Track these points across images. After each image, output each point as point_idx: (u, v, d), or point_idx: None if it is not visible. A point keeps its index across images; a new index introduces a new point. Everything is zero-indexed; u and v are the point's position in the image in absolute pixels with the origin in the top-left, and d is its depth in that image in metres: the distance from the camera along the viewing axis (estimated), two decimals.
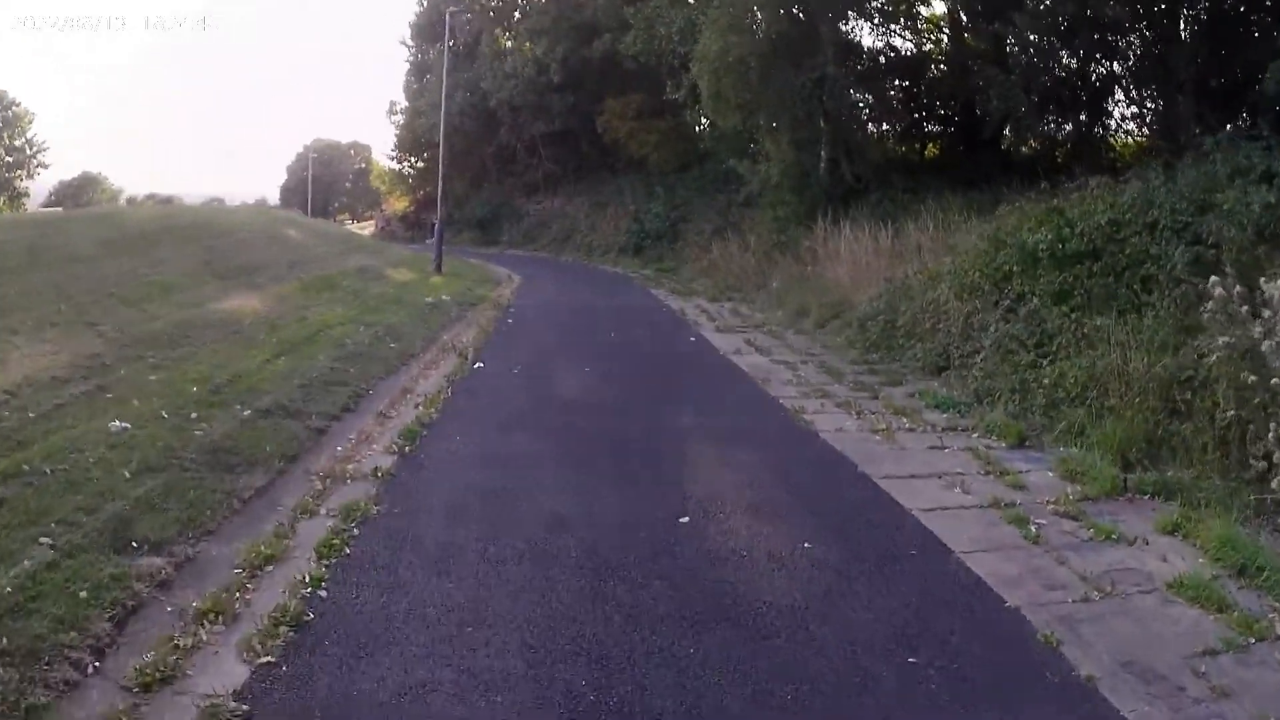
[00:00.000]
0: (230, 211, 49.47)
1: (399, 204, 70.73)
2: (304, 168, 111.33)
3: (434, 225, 64.58)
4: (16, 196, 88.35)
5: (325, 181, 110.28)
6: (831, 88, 27.49)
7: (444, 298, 23.44)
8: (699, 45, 29.17)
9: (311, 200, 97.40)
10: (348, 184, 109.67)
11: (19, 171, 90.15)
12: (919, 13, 30.62)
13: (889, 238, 21.31)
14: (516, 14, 56.86)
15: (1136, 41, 22.20)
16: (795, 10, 28.66)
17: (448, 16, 41.62)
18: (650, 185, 44.35)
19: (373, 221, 76.38)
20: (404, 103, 66.04)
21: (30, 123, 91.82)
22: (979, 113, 26.52)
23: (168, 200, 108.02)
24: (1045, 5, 22.77)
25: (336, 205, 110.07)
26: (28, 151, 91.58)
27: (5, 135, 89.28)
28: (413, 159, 66.97)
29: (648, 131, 43.94)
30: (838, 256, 22.58)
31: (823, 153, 29.23)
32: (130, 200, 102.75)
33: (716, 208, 37.16)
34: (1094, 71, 23.95)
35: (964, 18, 28.48)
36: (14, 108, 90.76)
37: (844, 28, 29.98)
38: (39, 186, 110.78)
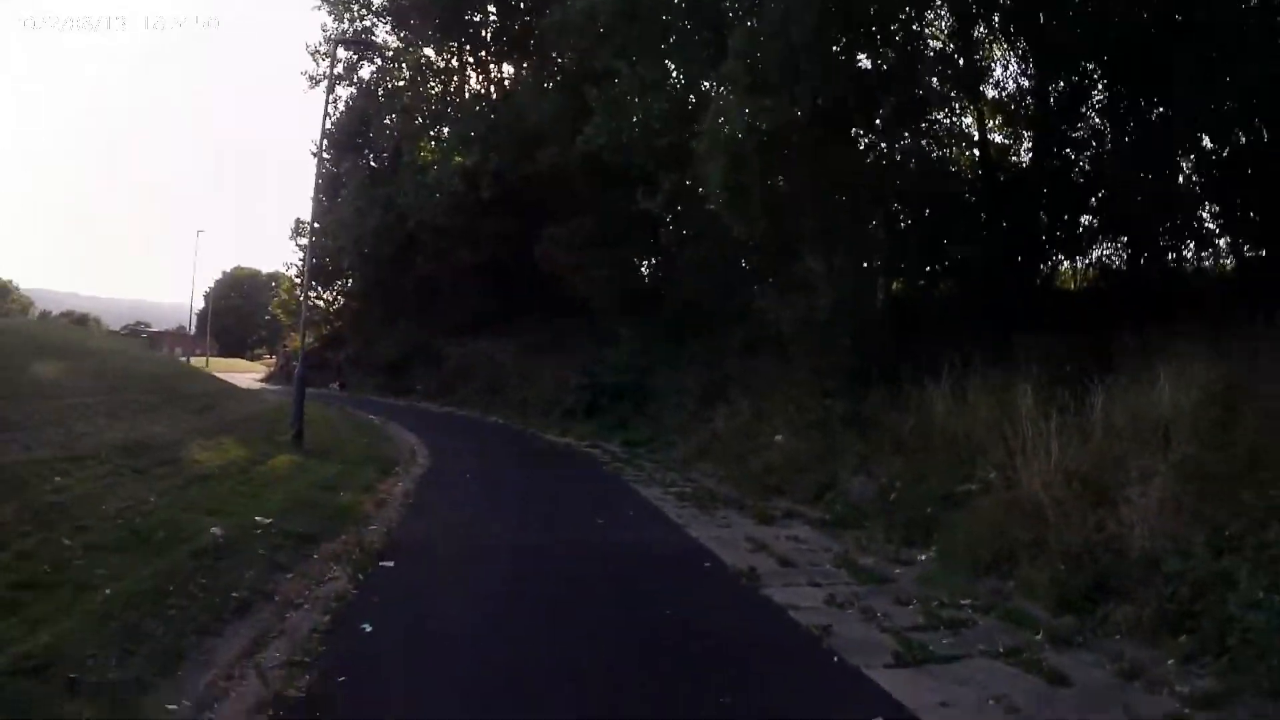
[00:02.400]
0: None
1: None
2: (221, 296, 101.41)
3: (335, 369, 52.93)
4: None
5: (244, 313, 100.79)
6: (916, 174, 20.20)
7: (259, 520, 11.33)
8: (711, 115, 19.05)
9: (210, 331, 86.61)
10: (267, 317, 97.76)
11: None
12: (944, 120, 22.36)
13: (1096, 416, 10.88)
14: (446, 128, 45.60)
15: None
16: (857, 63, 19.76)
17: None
18: (604, 328, 32.29)
19: (273, 360, 63.95)
20: (313, 223, 52.92)
21: None
22: (1007, 243, 20.48)
23: (81, 320, 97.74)
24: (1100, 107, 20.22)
25: (254, 339, 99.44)
26: None
27: None
28: (320, 288, 54.52)
29: (597, 264, 32.19)
30: (1012, 449, 11.14)
31: (879, 278, 20.89)
32: (43, 316, 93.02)
33: (702, 358, 25.39)
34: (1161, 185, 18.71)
35: (997, 134, 22.92)
36: None
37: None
38: None
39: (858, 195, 19.30)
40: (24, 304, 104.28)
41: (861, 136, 20.79)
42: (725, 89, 19.26)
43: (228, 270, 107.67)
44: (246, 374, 61.16)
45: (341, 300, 55.05)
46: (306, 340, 56.69)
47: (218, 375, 39.14)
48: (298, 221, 53.45)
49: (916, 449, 13.99)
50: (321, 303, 54.97)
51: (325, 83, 48.03)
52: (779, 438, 18.30)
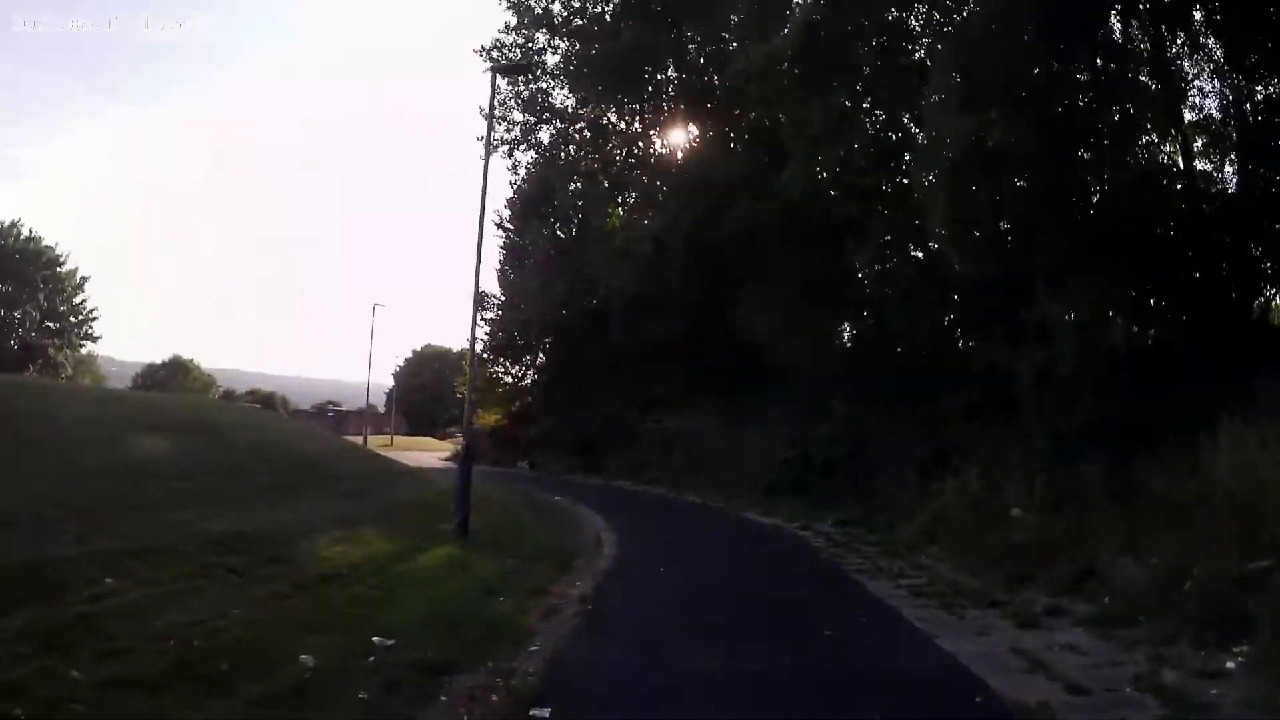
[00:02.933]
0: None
1: (489, 417, 57.75)
2: (411, 375, 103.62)
3: (524, 447, 51.94)
4: (52, 366, 78.03)
5: (434, 391, 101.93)
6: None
7: (377, 642, 9.27)
8: (926, 136, 18.69)
9: (399, 409, 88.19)
10: (458, 394, 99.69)
11: (53, 340, 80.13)
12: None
13: None
14: (632, 193, 44.92)
15: None
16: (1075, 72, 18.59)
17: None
18: (811, 398, 29.99)
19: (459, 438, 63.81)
20: (498, 295, 52.80)
21: (80, 286, 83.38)
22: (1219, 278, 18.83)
23: (267, 399, 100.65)
24: None
25: (445, 418, 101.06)
26: (71, 320, 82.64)
27: (41, 297, 79.65)
28: (508, 363, 54.23)
29: (798, 329, 30.59)
30: None
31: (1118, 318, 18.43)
32: (226, 395, 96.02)
33: (917, 427, 23.23)
34: None
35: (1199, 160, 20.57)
36: (59, 267, 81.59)
37: None
38: (119, 370, 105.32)
39: (1093, 225, 17.48)
40: (205, 382, 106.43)
41: (1088, 160, 18.92)
42: (937, 101, 17.74)
43: (418, 349, 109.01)
44: (432, 453, 61.19)
45: (531, 375, 54.42)
46: (493, 418, 56.74)
47: (389, 455, 38.33)
48: (482, 295, 53.16)
49: (1194, 521, 12.02)
50: (510, 378, 54.48)
51: (503, 147, 48.33)
52: (1016, 512, 16.45)
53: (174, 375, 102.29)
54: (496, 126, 47.40)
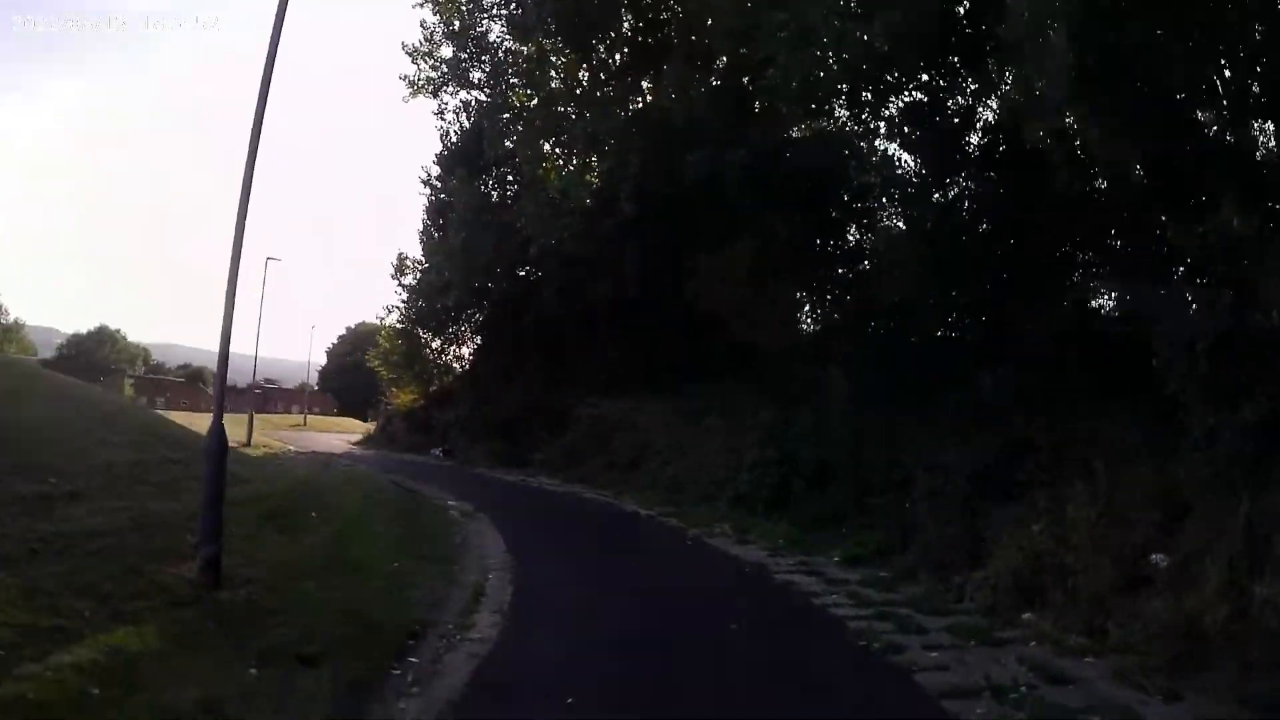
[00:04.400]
0: None
1: (405, 397, 50.28)
2: (344, 353, 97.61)
3: (441, 432, 44.28)
4: None
5: (367, 370, 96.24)
6: None
7: None
8: None
9: (322, 388, 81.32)
10: (377, 373, 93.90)
11: None
12: None
13: None
14: (575, 142, 37.34)
15: None
16: None
17: None
18: (789, 385, 22.80)
19: (376, 422, 56.70)
20: (420, 260, 45.11)
21: None
22: None
23: (196, 373, 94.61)
24: None
25: (378, 397, 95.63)
26: None
27: None
28: (428, 335, 46.25)
29: (769, 298, 24.45)
30: None
31: None
32: (155, 369, 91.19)
33: (952, 420, 16.03)
34: None
35: None
36: None
37: None
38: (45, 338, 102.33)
39: None
40: (132, 354, 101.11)
41: None
42: None
43: (352, 326, 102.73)
44: (345, 434, 55.16)
45: (454, 350, 46.80)
46: (408, 398, 49.30)
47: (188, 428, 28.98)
48: (400, 257, 45.69)
49: None
50: (429, 352, 46.92)
51: (427, 89, 40.98)
52: (1159, 559, 9.68)
53: (100, 345, 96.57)
54: (422, 64, 40.39)
